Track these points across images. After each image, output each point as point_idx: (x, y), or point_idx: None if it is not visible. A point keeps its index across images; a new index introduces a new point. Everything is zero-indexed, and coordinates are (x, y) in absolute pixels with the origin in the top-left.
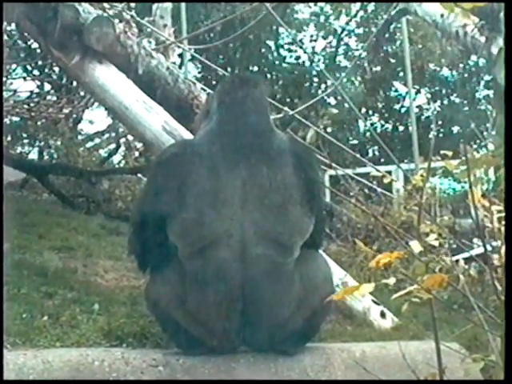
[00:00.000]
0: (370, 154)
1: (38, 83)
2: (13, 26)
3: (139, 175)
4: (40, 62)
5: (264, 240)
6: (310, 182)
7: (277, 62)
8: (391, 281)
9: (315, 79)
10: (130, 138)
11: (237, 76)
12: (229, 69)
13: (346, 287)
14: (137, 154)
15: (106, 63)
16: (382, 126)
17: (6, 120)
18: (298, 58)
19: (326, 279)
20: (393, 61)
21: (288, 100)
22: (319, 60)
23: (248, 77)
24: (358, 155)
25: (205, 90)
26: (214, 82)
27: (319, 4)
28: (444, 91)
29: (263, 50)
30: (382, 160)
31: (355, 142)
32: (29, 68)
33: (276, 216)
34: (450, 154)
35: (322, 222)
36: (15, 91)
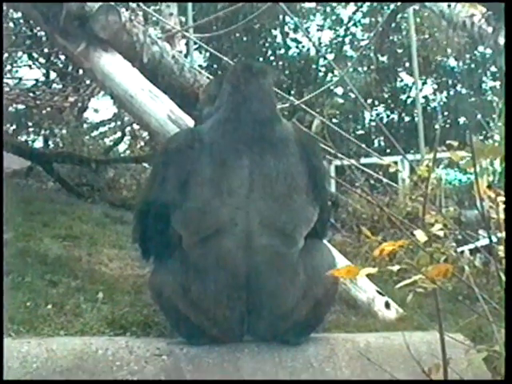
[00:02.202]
0: (376, 145)
1: (44, 71)
2: (19, 13)
3: (144, 164)
4: (46, 50)
5: (269, 230)
6: (315, 171)
7: (283, 52)
8: (395, 268)
9: (321, 69)
10: (135, 126)
11: (247, 65)
12: (235, 58)
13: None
14: (142, 143)
15: (112, 51)
16: (388, 116)
17: (11, 108)
18: (304, 47)
19: (331, 269)
20: (399, 51)
21: (294, 89)
22: (325, 50)
23: (258, 66)
24: (363, 145)
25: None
26: (219, 71)
27: None
28: (450, 81)
29: (269, 40)
30: (388, 150)
31: (361, 132)
32: (34, 56)
33: (281, 205)
34: (455, 144)
35: (326, 211)
36: (20, 79)
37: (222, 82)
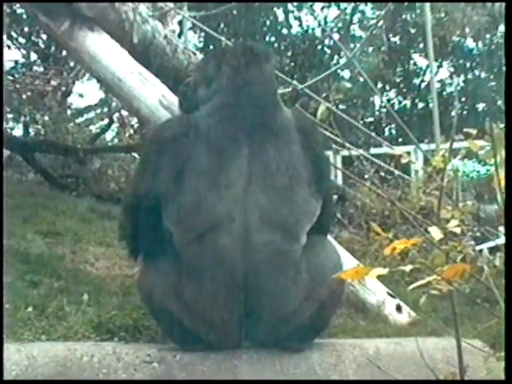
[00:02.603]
0: (387, 133)
1: (24, 52)
2: None
3: (134, 154)
4: (26, 29)
5: (269, 225)
6: (318, 161)
7: (285, 32)
8: (407, 268)
9: (327, 50)
10: (123, 113)
11: (248, 47)
12: (232, 38)
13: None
14: (131, 130)
15: (98, 31)
16: (400, 102)
17: None
18: (308, 27)
19: (336, 269)
20: (412, 31)
21: (297, 73)
22: (332, 29)
23: (260, 48)
24: (373, 134)
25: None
26: None
27: None
28: (468, 64)
29: (270, 18)
30: (400, 140)
31: (370, 119)
32: (14, 35)
33: (282, 198)
34: (474, 132)
35: (330, 204)
36: None
37: (220, 64)
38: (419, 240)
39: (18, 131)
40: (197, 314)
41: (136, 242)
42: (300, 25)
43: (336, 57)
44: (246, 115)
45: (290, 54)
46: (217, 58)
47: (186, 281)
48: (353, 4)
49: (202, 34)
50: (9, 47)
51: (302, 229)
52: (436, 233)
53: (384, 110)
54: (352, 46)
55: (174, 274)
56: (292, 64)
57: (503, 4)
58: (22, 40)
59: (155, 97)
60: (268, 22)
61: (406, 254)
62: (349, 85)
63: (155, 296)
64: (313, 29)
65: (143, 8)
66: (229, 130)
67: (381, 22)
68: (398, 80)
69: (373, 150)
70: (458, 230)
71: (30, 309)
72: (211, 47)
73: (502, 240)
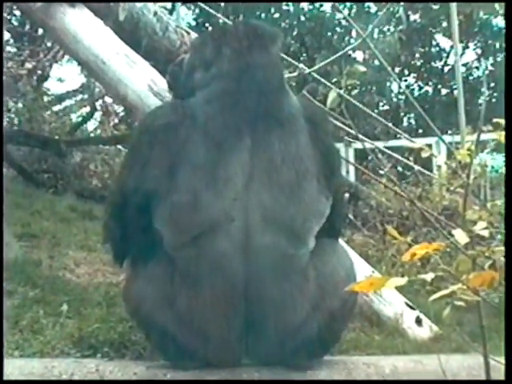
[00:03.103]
0: (405, 123)
1: None
2: None
3: (119, 146)
4: None
5: (273, 226)
6: (327, 154)
7: (290, 8)
8: (429, 276)
9: (338, 29)
10: (107, 100)
11: (252, 26)
12: (230, 15)
13: None
14: (116, 119)
15: (80, 7)
16: (421, 88)
17: None
18: (316, 2)
19: (348, 276)
20: (435, 7)
21: (304, 55)
22: (343, 5)
23: (263, 29)
24: (390, 124)
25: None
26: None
27: None
28: (498, 45)
29: None
30: (420, 131)
31: (387, 107)
32: None
33: (288, 196)
34: (503, 122)
35: (341, 202)
36: None
37: (219, 45)
38: (442, 245)
39: None
40: (191, 327)
41: (122, 246)
42: (312, 1)
43: (348, 37)
44: (248, 104)
45: (295, 33)
46: (216, 38)
47: (178, 289)
48: None
49: (197, 10)
50: None
51: (309, 231)
52: (461, 236)
53: (402, 97)
54: (366, 24)
55: (165, 281)
56: (298, 45)
57: None
58: None
59: (144, 82)
60: None
61: (426, 260)
62: (363, 68)
63: (144, 307)
64: (321, 5)
65: None
66: (229, 120)
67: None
68: (418, 63)
69: (389, 143)
70: (485, 233)
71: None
72: (207, 25)
73: None
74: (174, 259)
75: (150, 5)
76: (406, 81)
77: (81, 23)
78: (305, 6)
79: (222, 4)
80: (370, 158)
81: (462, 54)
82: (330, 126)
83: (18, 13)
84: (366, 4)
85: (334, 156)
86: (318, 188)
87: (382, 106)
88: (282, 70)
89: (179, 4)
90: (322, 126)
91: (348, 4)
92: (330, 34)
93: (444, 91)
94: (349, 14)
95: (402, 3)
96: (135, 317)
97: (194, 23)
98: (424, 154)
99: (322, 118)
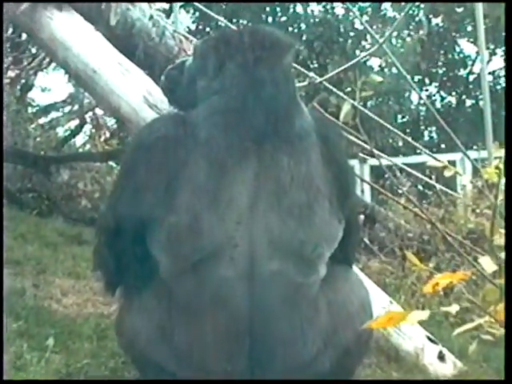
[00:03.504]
0: (426, 137)
1: None
2: None
3: (111, 163)
4: None
5: (280, 252)
6: (341, 172)
7: (299, 11)
8: (453, 308)
9: (352, 34)
10: (98, 112)
11: (259, 34)
12: (233, 19)
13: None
14: (107, 133)
15: (68, 10)
16: (443, 99)
17: None
18: (327, 4)
19: (363, 307)
20: (459, 10)
21: (315, 62)
22: (358, 8)
23: (274, 37)
24: (409, 139)
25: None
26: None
27: None
28: None
29: None
30: (443, 146)
31: (406, 120)
32: None
33: (297, 219)
34: None
35: (355, 226)
36: None
37: (226, 55)
38: (468, 274)
39: None
40: (190, 364)
41: (114, 273)
42: (318, 3)
43: (363, 43)
44: (255, 120)
45: (305, 38)
46: (222, 45)
47: (176, 322)
48: None
49: (196, 13)
50: None
51: (320, 257)
52: (488, 264)
53: (423, 108)
54: (383, 28)
55: (161, 313)
56: (308, 51)
57: None
58: None
59: (138, 92)
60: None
61: (450, 289)
62: (379, 78)
63: (138, 341)
64: (332, 7)
65: None
66: (233, 137)
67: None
68: (440, 71)
69: (409, 159)
70: None
71: None
72: (207, 29)
73: None
74: (172, 288)
75: (146, 8)
76: (426, 90)
77: (69, 28)
78: (314, 7)
79: (223, 6)
80: (387, 175)
81: (488, 61)
82: (344, 143)
83: None
84: (383, 6)
85: (347, 175)
86: (330, 210)
87: (401, 118)
88: (294, 83)
89: (177, 6)
90: (336, 142)
91: (361, 4)
92: (342, 39)
93: (469, 102)
94: (362, 16)
95: (422, 5)
96: (129, 352)
97: (193, 27)
98: (447, 173)
99: (336, 134)
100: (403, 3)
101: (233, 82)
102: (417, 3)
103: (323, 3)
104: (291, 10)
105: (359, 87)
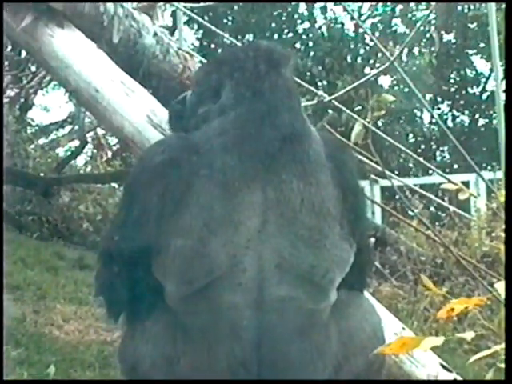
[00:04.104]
0: (439, 158)
1: None
2: None
3: (113, 184)
4: None
5: (290, 277)
6: (352, 194)
7: (307, 27)
8: (469, 335)
9: (361, 51)
10: (99, 131)
11: (260, 49)
12: (238, 35)
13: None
14: (109, 154)
15: (69, 27)
16: (455, 117)
17: None
18: (337, 20)
19: (375, 333)
20: (472, 26)
21: (324, 80)
22: (368, 24)
23: (275, 51)
24: (421, 159)
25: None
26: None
27: None
28: None
29: (288, 9)
30: (456, 166)
31: (418, 139)
32: None
33: (307, 242)
34: None
35: (366, 249)
36: None
37: (226, 73)
38: (484, 299)
39: None
40: None
41: (117, 299)
42: (325, 17)
43: (373, 60)
44: (262, 140)
45: (312, 54)
46: (220, 66)
47: (181, 349)
48: None
49: (201, 30)
50: None
51: (331, 282)
52: (504, 288)
53: (435, 127)
54: (394, 45)
55: (166, 339)
56: (317, 68)
57: None
58: None
59: (142, 112)
60: (285, 15)
61: (464, 315)
62: (391, 97)
63: (142, 369)
64: (342, 24)
65: None
66: (240, 158)
67: (431, 16)
68: (452, 89)
69: (421, 180)
70: None
71: None
72: (212, 46)
73: None
74: (177, 314)
75: (149, 24)
76: (438, 109)
77: (71, 46)
78: (323, 23)
79: (229, 23)
80: (398, 197)
81: (502, 79)
82: (355, 163)
83: None
84: (394, 21)
85: (358, 197)
86: (341, 234)
87: (412, 137)
88: (299, 100)
89: (181, 23)
90: (346, 163)
91: (373, 22)
92: (352, 56)
93: (482, 121)
94: (374, 33)
95: (433, 20)
96: (132, 379)
97: (197, 43)
98: (462, 196)
99: (347, 155)
100: (417, 18)
101: (234, 102)
102: (429, 19)
103: (330, 17)
104: (299, 26)
105: (371, 107)
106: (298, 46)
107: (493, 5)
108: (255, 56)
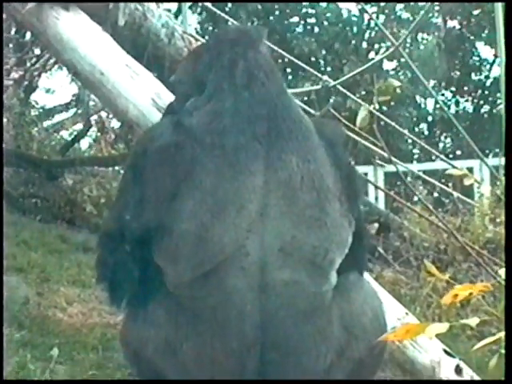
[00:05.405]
0: (442, 144)
1: None
2: None
3: (117, 168)
4: None
5: (292, 259)
6: (348, 172)
7: (312, 12)
8: (473, 321)
9: (366, 36)
10: (103, 114)
11: (231, 34)
12: (241, 18)
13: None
14: (113, 137)
15: (75, 10)
16: (459, 103)
17: None
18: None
19: (377, 318)
20: (476, 13)
21: (329, 65)
22: (373, 10)
23: (241, 28)
24: (425, 145)
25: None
26: None
27: None
28: None
29: None
30: (459, 152)
31: (422, 126)
32: None
33: (308, 221)
34: None
35: (364, 230)
36: None
37: (208, 61)
38: (488, 285)
39: None
40: (198, 376)
41: (118, 285)
42: (329, 5)
43: (377, 45)
44: (254, 115)
45: (318, 39)
46: (200, 57)
47: (184, 333)
48: None
49: (204, 13)
50: None
51: (332, 263)
52: (505, 273)
53: (439, 113)
54: (399, 31)
55: (168, 324)
56: (322, 53)
57: None
58: None
59: (147, 95)
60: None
61: (467, 301)
62: (397, 83)
63: (144, 352)
64: (349, 11)
65: None
66: (237, 139)
67: (435, 2)
68: (456, 75)
69: (425, 166)
70: None
71: None
72: (216, 30)
73: None
74: (178, 299)
75: (154, 8)
76: (442, 95)
77: (76, 29)
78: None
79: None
80: (402, 183)
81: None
82: (345, 142)
83: (3, 15)
84: (398, 7)
85: (355, 175)
86: (341, 211)
87: (417, 124)
88: (279, 73)
89: (186, 7)
90: (339, 141)
91: (377, 8)
92: (357, 42)
93: (486, 107)
94: (378, 17)
95: (437, 8)
96: (134, 363)
97: (201, 28)
98: (467, 182)
99: (338, 133)
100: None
101: (219, 89)
102: (433, 5)
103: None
104: (303, 11)
105: (376, 94)
106: (303, 31)
107: None
108: (229, 39)
